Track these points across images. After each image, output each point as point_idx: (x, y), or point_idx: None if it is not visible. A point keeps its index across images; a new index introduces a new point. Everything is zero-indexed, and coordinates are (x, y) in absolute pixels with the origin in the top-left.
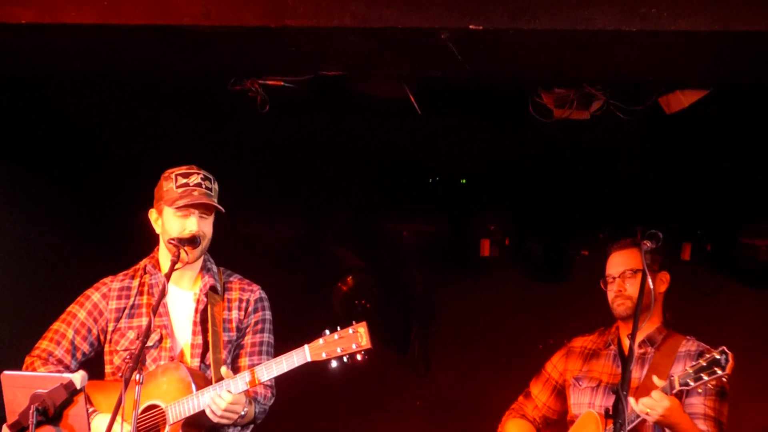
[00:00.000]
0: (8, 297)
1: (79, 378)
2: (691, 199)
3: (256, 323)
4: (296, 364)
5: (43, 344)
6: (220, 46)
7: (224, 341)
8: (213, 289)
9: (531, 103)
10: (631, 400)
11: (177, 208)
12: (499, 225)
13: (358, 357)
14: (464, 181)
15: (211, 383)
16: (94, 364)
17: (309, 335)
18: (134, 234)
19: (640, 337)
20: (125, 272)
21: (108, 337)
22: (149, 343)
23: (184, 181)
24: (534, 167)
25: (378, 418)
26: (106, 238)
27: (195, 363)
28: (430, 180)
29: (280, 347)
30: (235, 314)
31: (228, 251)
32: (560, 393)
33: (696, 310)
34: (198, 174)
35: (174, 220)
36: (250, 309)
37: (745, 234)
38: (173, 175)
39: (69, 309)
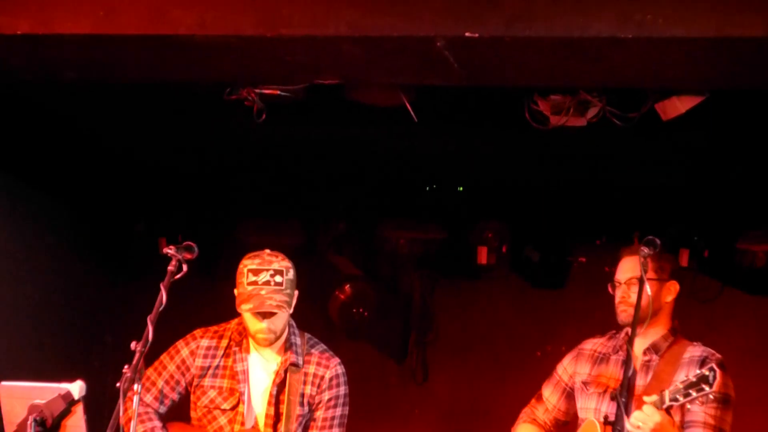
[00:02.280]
0: (6, 307)
1: (77, 388)
2: (688, 205)
3: (329, 399)
4: None
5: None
6: (215, 55)
7: (297, 414)
8: (293, 364)
9: (527, 110)
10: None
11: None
12: (496, 232)
13: None
14: (461, 188)
15: None
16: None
17: None
18: (133, 243)
19: (645, 344)
20: (216, 329)
21: (193, 389)
22: (226, 406)
23: (254, 279)
24: (531, 174)
25: (376, 426)
26: (105, 247)
27: None
28: (427, 188)
29: None
30: (309, 389)
31: (226, 260)
32: (570, 395)
33: (694, 317)
34: (267, 270)
35: (245, 316)
36: (324, 386)
37: (742, 240)
38: (246, 270)
39: (161, 358)
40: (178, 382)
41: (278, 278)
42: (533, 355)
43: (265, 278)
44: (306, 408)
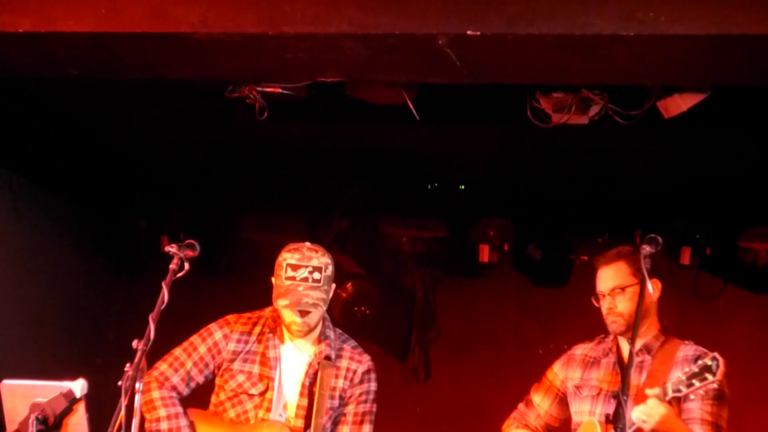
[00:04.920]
0: (8, 305)
1: (78, 387)
2: (690, 203)
3: (360, 394)
4: None
5: (162, 367)
6: (217, 53)
7: (327, 407)
8: (327, 357)
9: (529, 108)
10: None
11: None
12: (498, 231)
13: None
14: (463, 187)
15: None
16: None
17: None
18: (135, 241)
19: (637, 345)
20: (249, 316)
21: (220, 372)
22: (254, 391)
23: (292, 274)
24: (533, 172)
25: (378, 425)
26: (107, 245)
27: (299, 423)
28: (429, 186)
29: None
30: (341, 383)
31: (228, 258)
32: (562, 401)
33: (696, 315)
34: (306, 267)
35: (282, 309)
36: (356, 380)
37: (744, 238)
38: (285, 264)
39: (191, 339)
40: (207, 365)
41: (317, 275)
42: (535, 353)
43: (304, 275)
44: (337, 401)
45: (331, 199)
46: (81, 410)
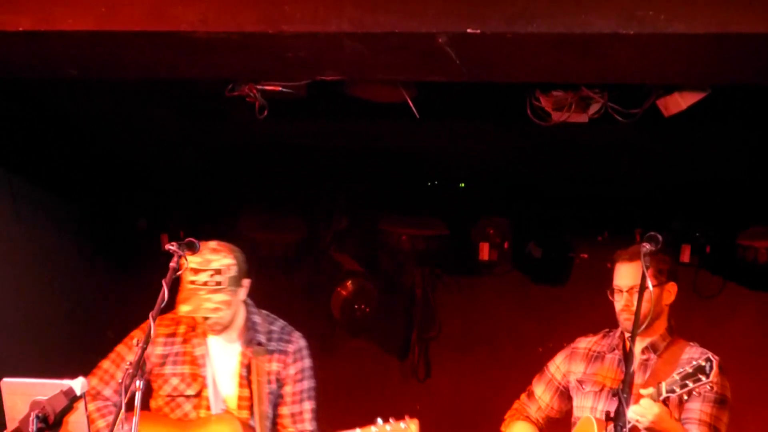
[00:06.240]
0: (8, 303)
1: (79, 385)
2: (690, 201)
3: (295, 373)
4: None
5: (93, 382)
6: (217, 52)
7: (266, 393)
8: (258, 343)
9: (529, 107)
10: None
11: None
12: (498, 229)
13: None
14: (463, 185)
15: None
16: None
17: (308, 340)
18: (135, 240)
19: (643, 343)
20: (172, 317)
21: (153, 378)
22: (189, 392)
23: (193, 278)
24: (533, 170)
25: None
26: (107, 244)
27: (243, 414)
28: (429, 184)
29: None
30: (275, 366)
31: None
32: (563, 394)
33: (696, 313)
34: (207, 271)
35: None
36: (289, 360)
37: (744, 236)
38: (187, 266)
39: (117, 349)
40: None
41: (218, 278)
42: (535, 351)
43: (204, 279)
44: (275, 385)
45: (331, 198)
46: (81, 408)
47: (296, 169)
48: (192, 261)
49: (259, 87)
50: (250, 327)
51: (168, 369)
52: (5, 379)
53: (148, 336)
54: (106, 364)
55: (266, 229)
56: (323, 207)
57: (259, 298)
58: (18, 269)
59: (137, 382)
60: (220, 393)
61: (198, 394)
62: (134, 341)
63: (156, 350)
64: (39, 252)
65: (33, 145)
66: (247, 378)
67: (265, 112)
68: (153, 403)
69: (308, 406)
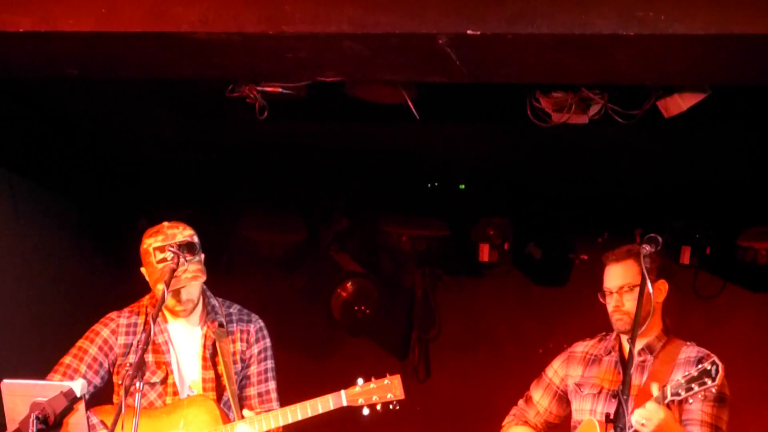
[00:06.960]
0: (8, 304)
1: (79, 386)
2: (690, 201)
3: (259, 353)
4: (331, 407)
5: (56, 378)
6: (217, 52)
7: (233, 373)
8: (220, 325)
9: (529, 108)
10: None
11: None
12: (498, 230)
13: (390, 406)
14: (463, 186)
15: (230, 419)
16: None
17: (309, 341)
18: (135, 239)
19: (639, 344)
20: (130, 308)
21: (116, 369)
22: (155, 379)
23: (162, 256)
24: (533, 171)
25: (378, 423)
26: (107, 244)
27: (210, 396)
28: (429, 185)
29: (280, 353)
30: (239, 346)
31: (228, 257)
32: (562, 398)
33: (696, 314)
34: (173, 245)
35: (162, 293)
36: (251, 339)
37: (744, 237)
38: (152, 249)
39: (79, 344)
40: (101, 365)
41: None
42: (535, 352)
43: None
44: (240, 365)
45: (331, 198)
46: (81, 409)
47: (296, 170)
48: (155, 242)
49: (259, 88)
50: (209, 311)
51: (132, 358)
52: (5, 381)
53: (149, 337)
54: (67, 359)
55: (266, 230)
56: (323, 207)
57: (258, 298)
58: (18, 269)
59: (137, 383)
60: (185, 378)
61: (163, 382)
62: (134, 340)
63: (119, 340)
64: (39, 251)
65: (33, 144)
66: (211, 360)
67: (266, 113)
68: (115, 398)
69: (273, 385)
